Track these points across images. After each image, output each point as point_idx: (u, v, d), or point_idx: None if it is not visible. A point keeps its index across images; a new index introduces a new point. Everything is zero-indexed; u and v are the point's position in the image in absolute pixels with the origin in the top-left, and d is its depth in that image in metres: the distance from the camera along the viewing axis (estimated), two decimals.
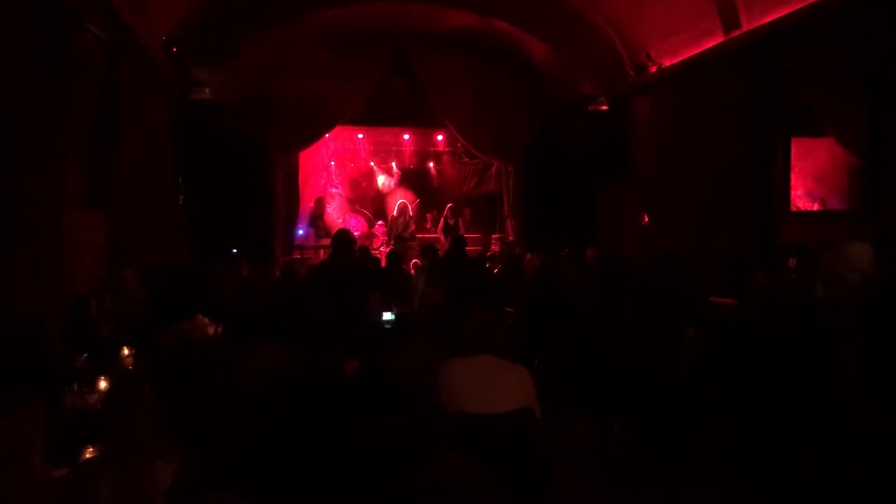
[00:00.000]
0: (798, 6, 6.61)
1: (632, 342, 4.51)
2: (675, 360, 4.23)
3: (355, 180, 14.80)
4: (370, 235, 13.36)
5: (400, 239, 12.24)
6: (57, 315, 4.55)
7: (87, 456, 2.48)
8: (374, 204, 14.77)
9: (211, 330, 5.05)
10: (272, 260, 6.79)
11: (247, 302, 5.55)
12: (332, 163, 14.50)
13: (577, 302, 5.38)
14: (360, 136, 14.43)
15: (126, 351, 4.22)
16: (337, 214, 14.07)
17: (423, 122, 13.08)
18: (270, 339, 3.96)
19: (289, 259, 10.52)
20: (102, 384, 3.64)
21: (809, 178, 7.88)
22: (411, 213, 13.11)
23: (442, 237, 12.27)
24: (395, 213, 13.00)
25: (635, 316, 4.68)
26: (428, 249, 8.02)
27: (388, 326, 5.47)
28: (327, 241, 12.05)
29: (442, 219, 12.87)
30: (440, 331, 4.61)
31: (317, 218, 13.31)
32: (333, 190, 14.45)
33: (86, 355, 4.08)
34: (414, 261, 10.11)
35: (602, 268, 5.86)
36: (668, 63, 9.11)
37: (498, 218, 13.58)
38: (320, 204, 13.52)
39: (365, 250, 8.49)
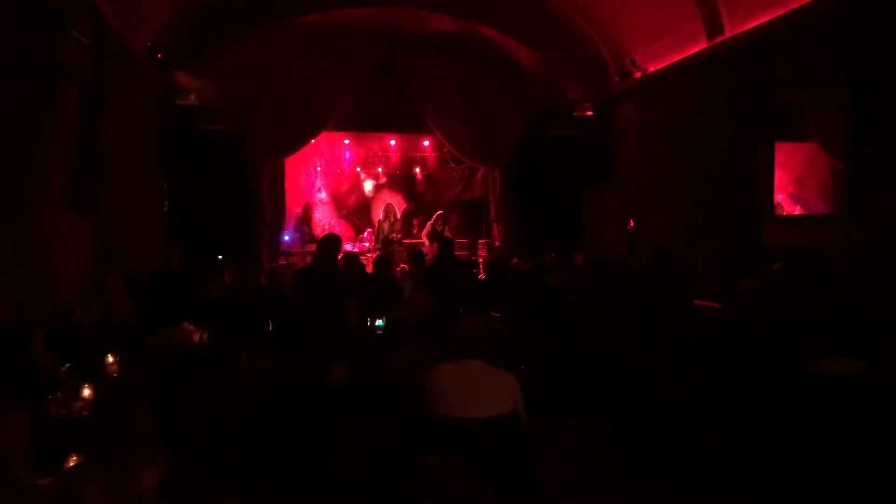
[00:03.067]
0: (781, 11, 6.67)
1: (622, 343, 4.52)
2: (668, 359, 4.24)
3: (341, 186, 14.81)
4: (358, 241, 13.35)
5: (387, 242, 12.23)
6: (40, 321, 4.49)
7: (73, 463, 2.45)
8: (361, 210, 14.78)
9: (196, 337, 5.01)
10: (258, 266, 6.75)
11: (232, 307, 5.51)
12: (319, 168, 14.49)
13: (565, 306, 5.39)
14: (347, 141, 14.43)
15: (111, 358, 4.18)
16: (324, 221, 14.06)
17: (409, 127, 13.09)
18: (256, 342, 3.94)
19: (274, 265, 10.48)
20: (87, 391, 3.60)
21: (792, 181, 7.95)
22: (398, 216, 13.11)
23: (427, 242, 12.26)
24: (381, 215, 12.98)
25: (625, 316, 4.70)
26: (415, 254, 8.02)
27: (378, 332, 5.45)
28: (314, 248, 12.03)
29: (429, 224, 12.86)
30: (428, 335, 4.60)
31: (303, 224, 13.33)
32: (321, 196, 14.45)
33: (68, 364, 4.03)
34: (401, 266, 10.10)
35: (591, 271, 5.86)
36: (652, 68, 9.16)
37: (484, 223, 13.62)
38: (307, 210, 13.54)
39: (352, 256, 8.46)
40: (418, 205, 14.75)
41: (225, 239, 9.75)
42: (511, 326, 5.65)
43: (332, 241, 5.64)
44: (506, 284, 6.64)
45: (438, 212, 12.92)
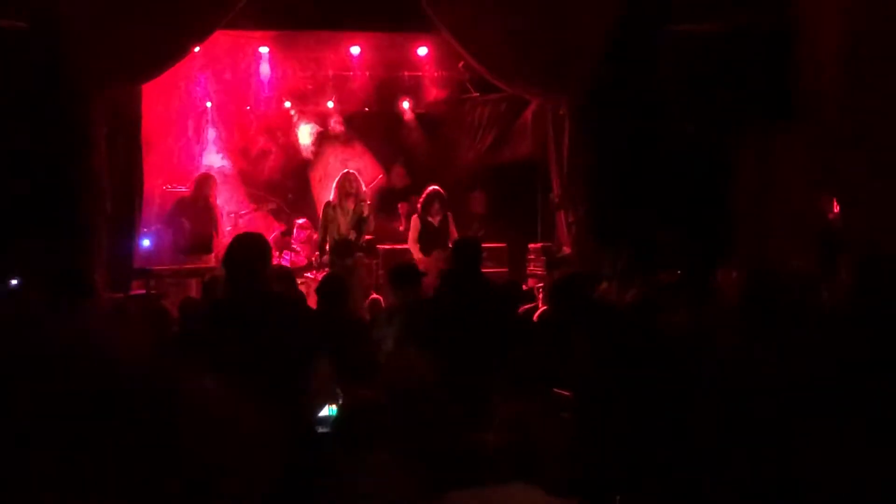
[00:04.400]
0: None
1: (825, 454, 4.50)
2: None
3: (254, 140, 14.87)
4: (284, 246, 13.33)
5: (343, 247, 12.19)
6: None
7: None
8: (291, 185, 14.83)
9: None
10: (86, 296, 6.70)
11: (22, 386, 5.49)
12: (209, 104, 14.54)
13: (704, 373, 5.36)
14: (265, 50, 14.47)
15: None
16: (223, 206, 14.03)
17: (390, 19, 13.04)
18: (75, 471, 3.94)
19: (122, 297, 10.47)
20: None
21: None
22: (365, 197, 13.00)
23: (416, 251, 12.22)
24: (330, 194, 12.93)
25: (825, 398, 4.67)
26: (403, 274, 8.00)
27: (323, 430, 5.44)
28: (209, 261, 12.08)
29: (414, 217, 12.78)
30: (425, 437, 4.58)
31: (191, 213, 13.18)
32: (218, 162, 14.50)
33: None
34: (373, 296, 10.08)
35: (756, 303, 5.81)
36: None
37: (540, 210, 13.66)
38: (204, 187, 13.36)
39: (283, 274, 8.46)
40: (409, 173, 14.80)
41: (25, 245, 9.75)
42: (593, 417, 5.62)
43: (250, 249, 5.62)
44: (583, 335, 6.61)
45: (429, 188, 12.82)
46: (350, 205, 12.48)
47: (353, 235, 12.42)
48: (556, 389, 6.06)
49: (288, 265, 12.27)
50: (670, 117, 11.61)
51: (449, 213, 12.65)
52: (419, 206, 12.64)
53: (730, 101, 11.11)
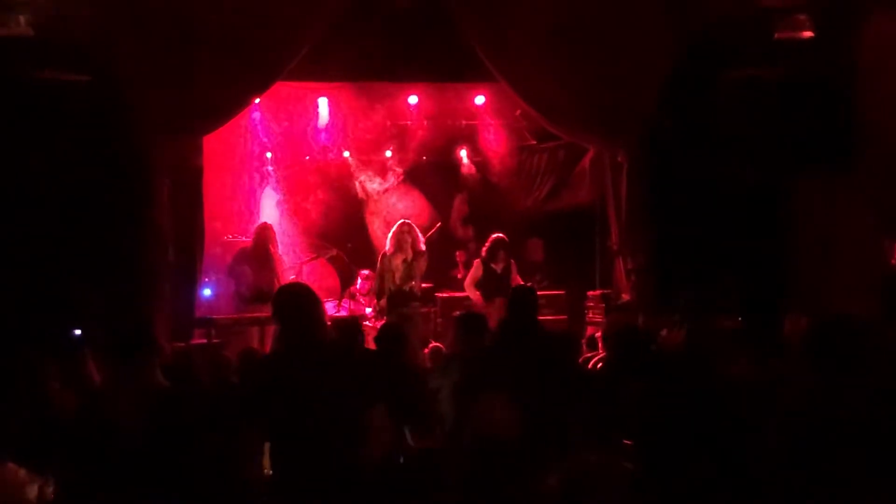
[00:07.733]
0: None
1: None
2: None
3: (312, 189, 14.89)
4: (348, 297, 13.32)
5: (399, 297, 12.17)
6: None
7: None
8: (351, 233, 14.85)
9: (31, 491, 5.04)
10: (150, 350, 6.67)
11: (98, 434, 5.53)
12: (269, 154, 14.59)
13: (769, 422, 5.29)
14: (324, 100, 14.52)
15: None
16: (284, 255, 14.01)
17: (445, 69, 13.07)
18: None
19: (184, 346, 10.48)
20: None
21: None
22: (422, 246, 12.99)
23: (476, 296, 12.18)
24: (387, 245, 12.91)
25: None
26: (467, 321, 7.93)
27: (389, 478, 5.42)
28: (267, 310, 11.96)
29: (476, 261, 12.74)
30: (490, 488, 4.55)
31: (261, 261, 13.15)
32: (278, 212, 14.51)
33: None
34: (433, 344, 10.02)
35: (826, 350, 5.72)
36: None
37: (598, 258, 13.61)
38: (264, 238, 13.32)
39: (349, 324, 8.42)
40: (469, 219, 14.80)
41: (82, 297, 9.77)
42: (654, 466, 5.56)
43: (300, 299, 5.60)
44: (641, 383, 6.56)
45: (495, 236, 12.80)
46: (406, 255, 12.47)
47: (408, 286, 12.41)
48: (619, 439, 6.00)
49: (347, 314, 12.29)
50: (729, 163, 11.56)
51: (512, 262, 12.64)
52: (483, 252, 12.63)
53: (789, 146, 11.05)
